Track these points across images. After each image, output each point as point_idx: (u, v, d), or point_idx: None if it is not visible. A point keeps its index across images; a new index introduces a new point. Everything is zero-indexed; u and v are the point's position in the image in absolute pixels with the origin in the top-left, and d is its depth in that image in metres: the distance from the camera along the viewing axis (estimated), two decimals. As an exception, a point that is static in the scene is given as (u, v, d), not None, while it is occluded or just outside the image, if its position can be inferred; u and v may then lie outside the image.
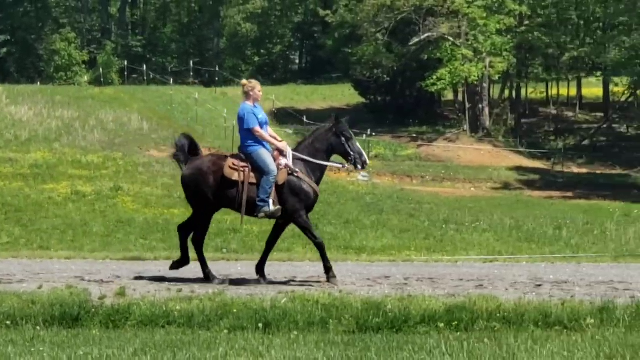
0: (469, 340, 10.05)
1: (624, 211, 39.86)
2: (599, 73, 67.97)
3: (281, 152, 14.23)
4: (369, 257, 20.06)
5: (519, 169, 55.29)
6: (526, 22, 63.94)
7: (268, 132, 14.33)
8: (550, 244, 26.51)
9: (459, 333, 10.94)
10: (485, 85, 62.81)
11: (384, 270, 16.10)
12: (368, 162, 15.03)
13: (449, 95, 69.75)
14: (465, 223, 31.21)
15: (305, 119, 58.54)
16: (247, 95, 14.42)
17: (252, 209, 14.07)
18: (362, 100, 69.12)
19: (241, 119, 14.27)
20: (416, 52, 61.79)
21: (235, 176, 13.99)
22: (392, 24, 61.30)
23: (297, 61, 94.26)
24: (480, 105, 62.26)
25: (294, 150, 14.42)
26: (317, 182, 14.47)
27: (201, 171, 14.15)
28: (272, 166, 13.96)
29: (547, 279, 14.51)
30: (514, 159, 58.07)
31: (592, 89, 72.29)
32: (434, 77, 58.39)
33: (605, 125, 65.76)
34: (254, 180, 14.00)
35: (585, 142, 63.08)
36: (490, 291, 13.08)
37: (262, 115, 14.36)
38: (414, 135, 61.19)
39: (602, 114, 67.93)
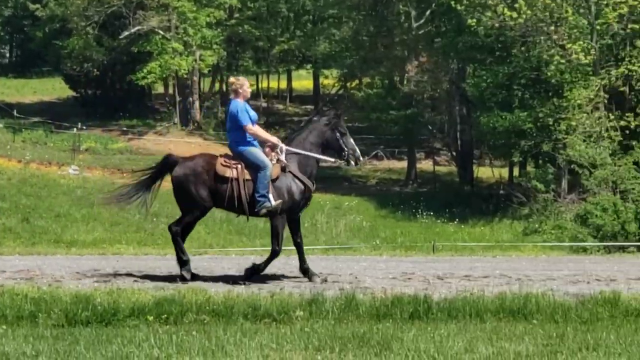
0: (178, 333, 10.03)
1: (334, 203, 41.08)
2: (309, 66, 69.49)
3: (273, 148, 13.90)
4: (79, 251, 19.71)
5: (229, 161, 55.78)
6: (236, 15, 64.65)
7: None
8: (261, 237, 26.79)
9: (168, 326, 10.91)
10: (196, 78, 63.05)
11: (94, 264, 15.87)
12: (362, 159, 14.72)
13: (159, 89, 69.57)
14: (175, 216, 31.16)
15: (15, 113, 56.81)
16: (236, 92, 14.03)
17: (251, 206, 13.64)
18: (72, 93, 67.75)
19: (234, 116, 13.79)
20: (126, 45, 61.13)
21: (228, 173, 13.63)
22: (102, 17, 60.42)
23: (7, 55, 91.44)
24: (191, 99, 62.47)
25: (287, 143, 14.05)
26: (311, 177, 14.09)
27: (195, 170, 13.73)
28: (266, 160, 13.64)
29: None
30: (224, 151, 57.70)
31: (303, 81, 73.77)
32: (144, 70, 58.05)
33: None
34: (248, 177, 13.62)
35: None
36: (200, 283, 13.14)
37: (253, 113, 13.99)
38: (125, 129, 60.63)
39: (312, 106, 69.44)
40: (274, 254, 13.90)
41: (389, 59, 56.00)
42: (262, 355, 9.00)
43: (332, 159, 14.50)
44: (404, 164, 57.15)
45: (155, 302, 11.62)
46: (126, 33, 59.68)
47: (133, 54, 61.03)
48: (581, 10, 38.93)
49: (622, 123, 35.68)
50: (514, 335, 10.30)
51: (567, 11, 37.84)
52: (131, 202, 14.49)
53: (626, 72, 36.96)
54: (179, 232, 14.04)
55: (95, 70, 63.07)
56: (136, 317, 11.32)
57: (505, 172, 51.88)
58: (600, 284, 13.80)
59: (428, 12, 52.84)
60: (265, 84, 73.71)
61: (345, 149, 14.15)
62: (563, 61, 38.06)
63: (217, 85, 70.42)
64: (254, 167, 13.58)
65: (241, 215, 14.17)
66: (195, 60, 59.90)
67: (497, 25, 39.56)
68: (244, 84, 14.08)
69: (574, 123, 36.01)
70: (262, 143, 14.03)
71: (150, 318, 11.26)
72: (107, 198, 15.21)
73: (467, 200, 45.93)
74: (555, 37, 38.55)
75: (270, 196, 13.53)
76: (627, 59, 37.51)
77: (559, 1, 37.99)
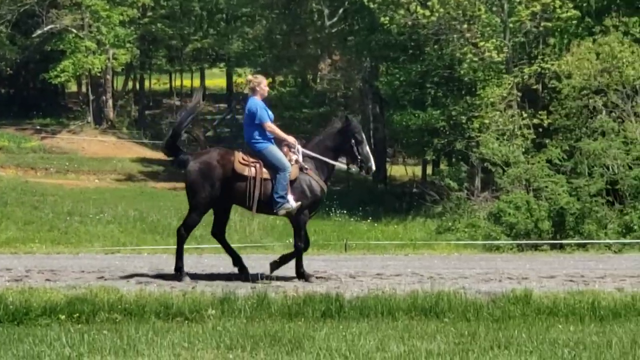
0: (90, 332, 9.94)
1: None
2: (222, 64, 69.21)
3: (290, 148, 13.75)
4: (-8, 250, 19.29)
5: (143, 160, 55.52)
6: (149, 14, 64.12)
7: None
8: (174, 235, 26.72)
9: (80, 325, 10.80)
10: (109, 77, 62.38)
11: (6, 263, 15.55)
12: (374, 168, 14.43)
13: (73, 87, 68.72)
14: (89, 215, 30.98)
15: None
16: (253, 90, 13.89)
17: (266, 206, 13.55)
18: (-15, 92, 66.69)
19: (253, 114, 13.63)
20: (39, 44, 60.35)
21: (246, 172, 13.42)
22: (15, 15, 59.38)
23: None
24: (104, 97, 61.82)
25: (304, 146, 13.89)
26: (325, 181, 13.97)
27: (210, 165, 13.48)
28: (286, 162, 13.51)
29: (169, 270, 14.26)
30: (138, 150, 58.17)
31: (216, 80, 73.46)
32: (58, 69, 57.25)
33: (229, 116, 67.12)
34: (267, 176, 13.45)
35: (209, 132, 64.05)
36: (112, 282, 13.00)
37: (270, 112, 13.87)
38: (38, 128, 59.89)
39: (225, 105, 69.24)
40: (296, 250, 13.89)
41: (302, 58, 56.00)
42: (174, 354, 8.93)
43: (345, 166, 14.42)
44: (317, 162, 56.97)
45: (67, 301, 11.48)
46: (39, 32, 58.83)
47: (46, 53, 60.27)
48: (494, 9, 39.34)
49: (535, 121, 36.14)
50: (426, 334, 10.32)
51: (480, 9, 38.19)
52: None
53: (539, 70, 37.46)
54: (186, 237, 13.91)
55: (8, 69, 62.15)
56: (48, 316, 11.19)
57: (418, 170, 52.17)
58: (512, 282, 13.82)
59: (341, 11, 52.86)
60: (178, 83, 73.26)
61: (359, 157, 13.95)
62: (476, 59, 38.43)
63: (130, 83, 69.79)
64: (273, 168, 13.48)
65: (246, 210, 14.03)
66: (109, 59, 59.26)
67: (410, 23, 39.72)
68: (262, 82, 14.04)
69: (487, 121, 36.34)
70: (279, 141, 13.90)
71: (62, 317, 11.14)
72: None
73: (381, 198, 46.09)
74: (468, 35, 38.89)
75: (290, 197, 13.47)
76: (540, 57, 38.02)
77: None
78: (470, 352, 9.22)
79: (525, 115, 36.57)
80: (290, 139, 13.86)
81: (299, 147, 13.75)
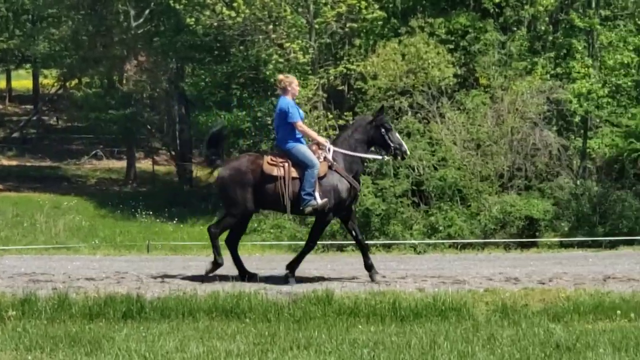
0: None
1: (54, 203, 40.17)
2: (28, 65, 67.45)
3: (320, 146, 13.85)
4: None
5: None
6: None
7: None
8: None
9: None
10: None
11: None
12: (408, 152, 14.76)
13: None
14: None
15: None
16: (284, 90, 13.96)
17: (297, 205, 13.64)
18: None
19: (284, 113, 13.75)
20: None
21: (275, 172, 13.59)
22: None
23: None
24: None
25: (333, 144, 14.00)
26: (357, 176, 14.12)
27: (240, 170, 13.72)
28: (314, 159, 13.59)
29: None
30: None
31: (22, 81, 71.72)
32: None
33: (35, 118, 65.44)
34: (295, 175, 13.57)
35: (15, 134, 62.39)
36: None
37: (301, 111, 14.06)
38: None
39: (32, 106, 67.45)
40: (309, 250, 14.17)
41: (108, 59, 54.91)
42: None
43: (380, 157, 14.94)
44: (123, 163, 56.24)
45: None
46: None
47: None
48: (300, 9, 39.36)
49: (341, 122, 36.28)
50: (226, 334, 10.39)
51: (285, 10, 38.16)
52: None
53: (345, 71, 37.67)
54: (218, 235, 14.06)
55: None
56: None
57: (223, 171, 51.96)
58: (313, 283, 13.91)
59: (147, 12, 52.12)
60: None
61: (392, 144, 14.12)
62: (282, 60, 38.32)
63: None
64: (302, 165, 13.58)
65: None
66: None
67: (215, 24, 39.43)
68: (293, 82, 14.10)
69: (292, 122, 36.20)
70: (309, 141, 14.10)
71: None
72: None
73: (186, 199, 45.75)
74: (273, 36, 38.82)
75: (317, 194, 13.55)
76: (345, 58, 38.27)
77: (277, 0, 38.22)
78: (270, 353, 9.33)
79: (331, 116, 36.72)
80: (321, 139, 14.15)
81: (330, 145, 13.91)
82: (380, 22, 38.14)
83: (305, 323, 11.51)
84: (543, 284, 14.15)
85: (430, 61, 33.70)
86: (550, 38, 38.07)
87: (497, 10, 36.69)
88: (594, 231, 30.03)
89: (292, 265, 14.12)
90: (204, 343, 9.75)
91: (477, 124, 33.14)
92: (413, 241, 27.34)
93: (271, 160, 13.71)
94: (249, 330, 10.68)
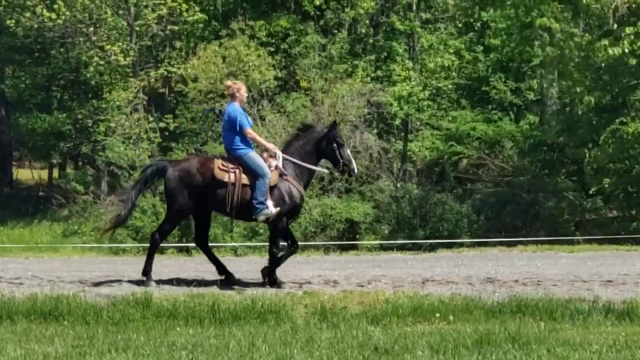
0: None
1: None
2: None
3: (270, 154, 13.91)
4: None
5: None
6: None
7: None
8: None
9: None
10: None
11: None
12: (356, 170, 14.75)
13: None
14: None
15: None
16: (233, 96, 13.98)
17: (246, 212, 13.73)
18: None
19: (233, 120, 13.73)
20: None
21: (226, 178, 13.55)
22: None
23: None
24: None
25: (283, 151, 14.04)
26: (305, 186, 14.27)
27: (189, 172, 13.65)
28: (266, 168, 13.64)
29: None
30: None
31: None
32: None
33: None
34: (246, 182, 13.58)
35: None
36: None
37: (249, 118, 14.10)
38: None
39: None
40: (274, 258, 14.08)
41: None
42: None
43: (327, 171, 15.00)
44: None
45: None
46: None
47: None
48: (120, 12, 38.70)
49: (162, 125, 35.87)
50: (44, 337, 10.35)
51: (106, 12, 37.52)
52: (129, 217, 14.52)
53: (165, 73, 37.24)
54: (159, 243, 14.11)
55: None
56: None
57: (45, 173, 51.14)
58: (132, 285, 13.88)
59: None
60: None
61: (341, 160, 14.18)
62: (102, 62, 37.70)
63: None
64: (253, 174, 13.61)
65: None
66: None
67: (36, 26, 38.50)
68: (241, 88, 14.13)
69: (113, 125, 35.71)
70: (259, 147, 14.17)
71: None
72: (110, 223, 14.71)
73: (7, 202, 44.52)
74: (94, 38, 38.13)
75: (269, 203, 13.58)
76: (166, 61, 37.84)
77: (98, 2, 37.53)
78: (88, 355, 9.30)
79: (151, 118, 36.21)
80: (271, 145, 14.21)
81: (279, 153, 13.97)
82: (201, 25, 37.91)
83: (124, 326, 11.51)
84: (362, 286, 14.31)
85: (250, 64, 33.62)
86: (371, 41, 38.49)
87: (317, 13, 36.86)
88: (414, 234, 30.43)
89: (270, 275, 14.13)
90: (22, 346, 9.68)
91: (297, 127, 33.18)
92: (233, 244, 27.24)
93: (222, 165, 13.71)
94: (67, 333, 10.64)
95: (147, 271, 13.89)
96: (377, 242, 30.17)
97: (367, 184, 33.66)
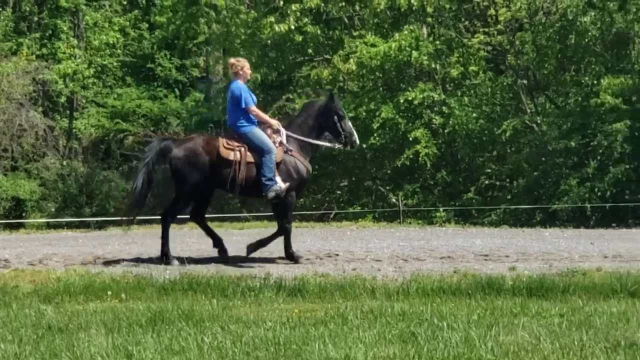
0: None
1: None
2: None
3: (274, 130, 13.87)
4: None
5: None
6: None
7: None
8: None
9: None
10: None
11: None
12: (358, 142, 14.71)
13: None
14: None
15: None
16: (236, 74, 14.02)
17: (252, 189, 13.84)
18: None
19: (237, 98, 13.74)
20: None
21: (231, 156, 13.62)
22: None
23: None
24: None
25: (285, 126, 14.08)
26: (310, 161, 14.24)
27: (194, 152, 13.69)
28: (271, 144, 13.69)
29: None
30: None
31: None
32: None
33: None
34: (251, 160, 13.65)
35: None
36: None
37: (253, 95, 13.98)
38: None
39: None
40: (284, 231, 14.07)
41: None
42: None
43: (330, 144, 14.59)
44: None
45: None
46: None
47: None
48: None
49: None
50: None
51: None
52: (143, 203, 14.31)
53: None
54: (171, 223, 14.20)
55: None
56: None
57: None
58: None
59: None
60: None
61: (343, 132, 14.23)
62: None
63: None
64: (259, 151, 13.66)
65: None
66: None
67: None
68: (245, 66, 14.09)
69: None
70: (262, 124, 14.03)
71: None
72: (126, 212, 14.80)
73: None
74: None
75: (278, 179, 13.63)
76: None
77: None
78: None
79: None
80: (274, 122, 14.13)
81: (282, 129, 13.96)
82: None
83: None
84: (33, 265, 14.16)
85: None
86: (36, 19, 37.57)
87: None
88: (81, 212, 30.27)
89: (287, 251, 14.17)
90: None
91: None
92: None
93: (227, 144, 13.75)
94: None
95: (165, 251, 13.99)
96: (44, 220, 29.74)
97: (33, 162, 33.02)
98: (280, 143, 14.01)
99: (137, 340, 8.82)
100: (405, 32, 28.75)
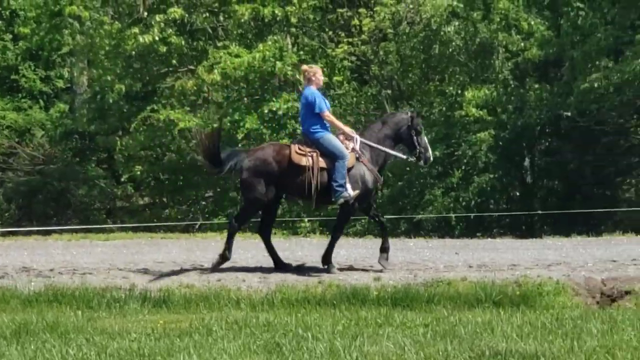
0: None
1: None
2: None
3: (347, 137, 13.92)
4: None
5: None
6: None
7: None
8: None
9: None
10: None
11: None
12: (432, 158, 14.68)
13: None
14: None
15: None
16: (309, 80, 14.04)
17: (324, 195, 13.69)
18: None
19: (311, 104, 13.82)
20: None
21: (303, 161, 13.63)
22: None
23: None
24: None
25: (360, 134, 14.18)
26: (380, 170, 14.24)
27: (266, 161, 13.72)
28: (344, 150, 13.71)
29: None
30: None
31: None
32: None
33: None
34: (324, 165, 13.64)
35: None
36: None
37: (327, 101, 14.05)
38: None
39: None
40: (335, 239, 14.22)
41: None
42: None
43: (404, 156, 14.60)
44: None
45: None
46: None
47: None
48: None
49: None
50: None
51: None
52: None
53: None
54: (237, 229, 14.31)
55: None
56: None
57: None
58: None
59: None
60: None
61: (418, 147, 14.25)
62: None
63: None
64: (331, 156, 13.66)
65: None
66: None
67: None
68: (317, 72, 14.12)
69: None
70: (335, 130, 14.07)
71: None
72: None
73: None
74: None
75: (348, 186, 13.60)
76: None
77: None
78: None
79: None
80: (348, 129, 14.24)
81: (356, 136, 14.03)
82: None
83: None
84: None
85: None
86: None
87: None
88: None
89: (327, 257, 14.21)
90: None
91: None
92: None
93: (299, 149, 13.77)
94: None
95: (226, 256, 14.10)
96: None
97: None
98: (353, 149, 14.05)
99: (1, 352, 8.84)
100: (269, 42, 28.97)
